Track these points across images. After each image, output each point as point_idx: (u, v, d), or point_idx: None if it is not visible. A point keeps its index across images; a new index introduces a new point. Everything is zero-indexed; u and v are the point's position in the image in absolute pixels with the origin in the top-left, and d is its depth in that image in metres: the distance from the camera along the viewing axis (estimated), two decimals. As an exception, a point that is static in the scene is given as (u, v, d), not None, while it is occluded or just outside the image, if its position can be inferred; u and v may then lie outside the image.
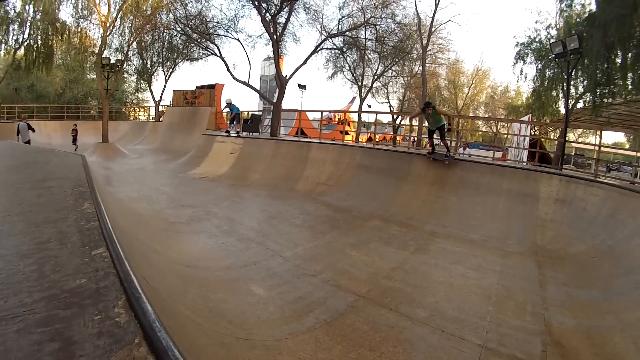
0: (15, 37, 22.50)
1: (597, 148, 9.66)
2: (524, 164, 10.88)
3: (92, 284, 1.57)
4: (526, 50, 18.83)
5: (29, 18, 22.34)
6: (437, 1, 20.99)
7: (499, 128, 28.32)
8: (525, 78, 19.36)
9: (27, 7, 22.04)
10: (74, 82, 31.61)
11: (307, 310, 3.76)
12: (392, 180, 9.18)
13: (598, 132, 11.65)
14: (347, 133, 20.75)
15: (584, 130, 24.47)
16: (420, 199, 8.34)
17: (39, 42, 22.86)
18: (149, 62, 26.17)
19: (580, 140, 30.34)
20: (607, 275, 5.01)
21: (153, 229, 5.98)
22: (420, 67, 22.27)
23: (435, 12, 21.34)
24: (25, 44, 22.79)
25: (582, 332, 3.69)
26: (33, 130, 15.48)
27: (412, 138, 18.76)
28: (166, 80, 26.26)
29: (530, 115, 17.86)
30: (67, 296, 1.47)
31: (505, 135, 20.15)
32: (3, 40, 22.35)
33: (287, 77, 16.74)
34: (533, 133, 15.75)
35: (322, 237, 6.30)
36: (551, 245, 6.42)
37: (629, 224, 6.01)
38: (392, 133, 25.15)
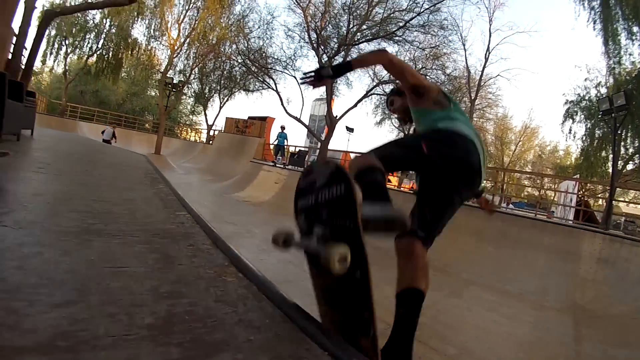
0: (90, 45, 25.70)
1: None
2: (570, 222, 10.64)
3: (180, 229, 2.00)
4: (575, 109, 18.68)
5: (105, 30, 25.43)
6: (487, 56, 21.31)
7: (545, 188, 27.62)
8: (574, 137, 19.07)
9: (104, 21, 25.07)
10: (135, 95, 34.65)
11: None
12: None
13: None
14: (389, 180, 20.90)
15: (636, 195, 23.55)
16: (458, 248, 8.18)
17: (110, 53, 25.91)
18: (207, 88, 27.83)
19: (631, 205, 29.10)
20: None
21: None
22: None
23: (484, 67, 21.62)
24: (98, 52, 25.79)
25: None
26: (115, 138, 17.91)
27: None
28: (221, 107, 27.79)
29: (578, 175, 17.49)
30: (160, 232, 1.88)
31: (552, 197, 19.61)
32: (79, 46, 25.53)
33: (337, 118, 17.30)
34: (581, 193, 15.42)
35: None
36: (591, 305, 6.22)
37: None
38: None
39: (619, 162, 16.28)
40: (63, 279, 1.12)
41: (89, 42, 25.75)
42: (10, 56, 11.47)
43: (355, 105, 17.75)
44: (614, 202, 10.30)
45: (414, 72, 1.99)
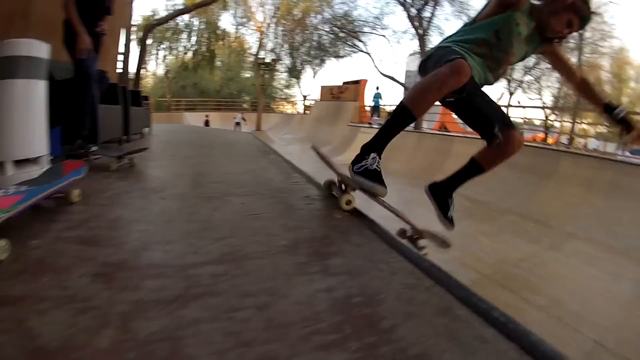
0: (184, 44, 28.23)
1: None
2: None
3: (296, 186, 2.57)
4: None
5: (195, 28, 27.79)
6: None
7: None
8: None
9: (193, 20, 27.36)
10: (231, 80, 36.67)
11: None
12: (536, 178, 8.85)
13: None
14: None
15: None
16: (563, 199, 7.95)
17: (203, 47, 28.18)
18: (298, 61, 28.61)
19: None
20: None
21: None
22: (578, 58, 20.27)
23: None
24: (192, 49, 28.14)
25: None
26: (244, 120, 21.08)
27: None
28: (314, 76, 28.70)
29: None
30: (281, 189, 2.50)
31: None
32: (174, 47, 28.37)
33: (428, 72, 16.83)
34: None
35: (457, 223, 6.52)
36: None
37: None
38: (543, 133, 23.05)
39: None
40: (219, 224, 1.68)
41: (182, 42, 28.42)
42: (120, 70, 13.61)
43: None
44: None
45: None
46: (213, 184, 2.57)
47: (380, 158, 2.00)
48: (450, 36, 2.09)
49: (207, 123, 21.95)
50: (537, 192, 8.46)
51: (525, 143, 9.64)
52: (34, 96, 2.28)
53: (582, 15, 1.88)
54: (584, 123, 23.07)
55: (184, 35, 28.11)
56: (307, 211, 1.99)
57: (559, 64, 2.22)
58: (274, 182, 2.80)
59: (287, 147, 16.83)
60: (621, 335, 3.64)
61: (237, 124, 22.61)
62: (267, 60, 24.66)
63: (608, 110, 2.06)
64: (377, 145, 2.01)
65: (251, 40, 28.55)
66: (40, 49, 2.34)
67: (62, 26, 3.18)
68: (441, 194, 2.34)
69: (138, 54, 16.22)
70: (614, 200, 7.33)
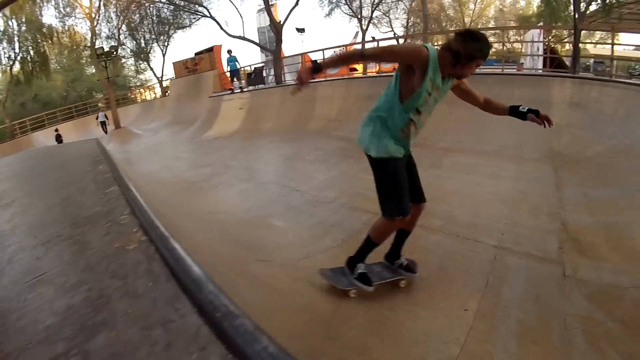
0: (7, 55, 22.89)
1: (612, 46, 9.26)
2: (540, 71, 10.45)
3: (104, 208, 2.07)
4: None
5: (15, 32, 22.56)
6: None
7: (511, 41, 27.19)
8: (534, -15, 18.54)
9: (10, 22, 22.17)
10: (75, 81, 32.09)
11: (325, 233, 3.95)
12: None
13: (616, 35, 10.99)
14: (355, 69, 20.35)
15: (603, 36, 23.14)
16: (431, 119, 8.03)
17: (31, 52, 23.14)
18: (142, 41, 25.97)
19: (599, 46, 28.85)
20: (625, 173, 4.92)
21: (174, 190, 6.26)
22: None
23: None
24: (19, 57, 23.09)
25: (599, 229, 3.69)
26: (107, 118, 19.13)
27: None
28: (164, 55, 26.25)
29: (541, 23, 17.08)
30: (85, 220, 1.95)
31: (519, 49, 19.22)
32: None
33: (281, 23, 16.37)
34: (547, 41, 15.05)
35: (336, 167, 6.47)
36: (567, 150, 6.30)
37: None
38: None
39: (582, 3, 15.83)
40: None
41: (4, 52, 22.98)
42: None
43: (297, 3, 16.61)
44: (580, 45, 10.03)
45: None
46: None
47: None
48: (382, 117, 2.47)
49: (59, 139, 18.74)
50: None
51: (387, 74, 9.82)
52: None
53: (484, 53, 2.15)
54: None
55: (4, 44, 22.69)
56: (98, 249, 1.54)
57: (466, 95, 2.68)
58: (82, 209, 2.26)
59: (154, 137, 15.60)
60: (517, 232, 3.68)
61: (103, 123, 20.31)
62: (106, 49, 21.72)
63: (513, 111, 2.59)
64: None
65: (84, 30, 24.86)
66: None
67: None
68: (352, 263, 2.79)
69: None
70: (476, 109, 7.66)
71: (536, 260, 3.21)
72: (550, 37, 19.17)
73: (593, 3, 15.82)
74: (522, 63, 15.09)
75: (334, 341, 2.26)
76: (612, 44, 9.13)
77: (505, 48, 26.16)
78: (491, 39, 27.04)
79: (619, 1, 14.29)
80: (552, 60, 10.78)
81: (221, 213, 4.80)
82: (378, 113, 2.47)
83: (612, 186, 4.68)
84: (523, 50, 16.10)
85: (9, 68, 23.41)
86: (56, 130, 19.70)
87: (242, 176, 6.73)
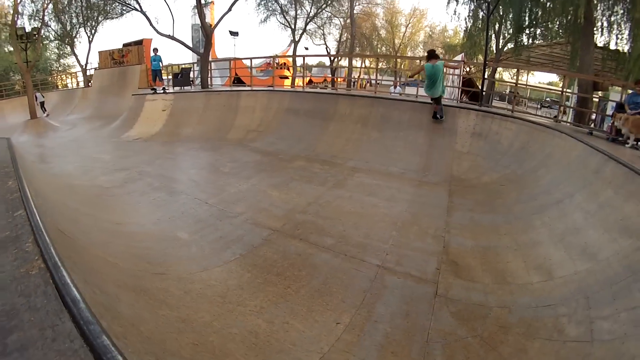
0: None
1: (516, 85, 10.58)
2: (455, 101, 11.30)
3: (12, 234, 2.28)
4: (459, -10, 19.00)
5: None
6: None
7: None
8: (459, 18, 20.01)
9: None
10: None
11: (225, 247, 4.10)
12: (319, 121, 9.48)
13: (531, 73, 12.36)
14: (286, 77, 20.53)
15: (520, 70, 25.48)
16: (344, 137, 8.69)
17: None
18: (68, 25, 24.38)
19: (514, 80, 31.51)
20: (511, 202, 5.49)
21: (86, 196, 6.01)
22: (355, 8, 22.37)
23: None
24: None
25: (478, 252, 4.12)
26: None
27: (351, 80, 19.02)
28: (90, 42, 24.69)
29: (463, 54, 18.33)
30: None
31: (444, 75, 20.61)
32: None
33: (211, 27, 16.10)
34: (468, 72, 16.22)
35: (247, 181, 6.58)
36: (465, 175, 6.94)
37: (537, 156, 6.58)
38: (331, 75, 25.28)
39: (500, 41, 17.37)
40: None
41: None
42: None
43: (230, 9, 16.35)
44: (496, 77, 11.03)
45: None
46: None
47: None
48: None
49: None
50: (321, 134, 9.03)
51: (309, 90, 10.22)
52: None
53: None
54: (365, 65, 25.79)
55: None
56: (7, 273, 1.84)
57: None
58: None
59: (71, 132, 14.61)
60: (401, 253, 4.03)
61: (42, 103, 19.20)
62: (28, 29, 19.98)
63: None
64: None
65: (6, 4, 22.81)
66: None
67: None
68: None
69: None
70: (388, 131, 8.30)
71: (413, 280, 3.56)
72: (470, 68, 20.64)
73: (510, 42, 17.36)
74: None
75: (196, 347, 2.39)
76: (517, 82, 10.27)
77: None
78: (419, 62, 28.83)
79: (528, 45, 15.84)
80: (466, 92, 11.75)
81: (130, 224, 4.75)
82: None
83: (498, 213, 5.20)
84: (445, 79, 17.32)
85: None
86: None
87: (156, 184, 6.61)
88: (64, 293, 1.62)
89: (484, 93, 10.38)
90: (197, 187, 6.34)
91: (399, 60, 26.14)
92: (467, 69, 17.59)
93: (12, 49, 25.68)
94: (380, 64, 23.45)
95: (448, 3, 19.83)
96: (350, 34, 26.84)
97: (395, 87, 16.21)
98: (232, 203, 5.42)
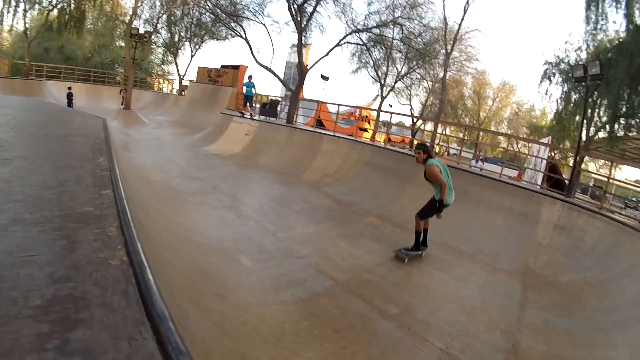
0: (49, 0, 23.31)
1: (608, 180, 9.62)
2: (537, 186, 10.70)
3: (97, 211, 2.09)
4: (554, 70, 18.48)
5: None
6: (465, 8, 20.87)
7: (519, 147, 27.88)
8: (550, 98, 19.13)
9: None
10: (103, 47, 32.68)
11: (286, 286, 3.98)
12: (397, 181, 9.19)
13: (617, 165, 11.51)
14: (365, 130, 20.71)
15: (606, 162, 23.91)
16: (420, 203, 8.06)
17: (72, 5, 23.52)
18: (176, 36, 26.86)
19: (601, 171, 29.66)
20: (591, 310, 4.95)
21: (160, 193, 6.24)
22: (444, 73, 22.29)
23: (462, 19, 21.30)
24: (59, 6, 23.47)
25: None
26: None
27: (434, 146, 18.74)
28: (192, 56, 26.94)
29: (550, 137, 17.60)
30: (78, 216, 1.96)
31: (525, 155, 19.79)
32: (37, 1, 23.11)
33: (308, 67, 16.74)
34: (552, 157, 15.49)
35: (317, 224, 6.49)
36: (542, 270, 6.37)
37: (624, 262, 5.91)
38: (410, 136, 25.00)
39: (592, 129, 16.46)
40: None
41: None
42: None
43: (328, 53, 17.05)
44: (582, 167, 10.38)
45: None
46: (10, 205, 1.93)
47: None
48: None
49: (70, 97, 18.67)
50: (397, 195, 8.71)
51: (391, 147, 10.02)
52: None
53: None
54: (446, 133, 25.59)
55: None
56: (86, 253, 1.55)
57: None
58: (75, 203, 2.20)
59: (156, 131, 15.60)
60: (466, 341, 3.69)
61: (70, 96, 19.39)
62: (141, 31, 22.32)
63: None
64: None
65: (127, 4, 25.66)
66: None
67: None
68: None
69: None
70: (465, 207, 7.87)
71: (476, 374, 3.19)
72: (555, 152, 19.78)
73: (602, 130, 16.42)
74: (525, 169, 15.47)
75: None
76: (609, 178, 9.43)
77: (511, 148, 26.85)
78: (501, 139, 28.00)
79: (623, 136, 14.88)
80: (550, 179, 11.11)
81: (196, 234, 4.81)
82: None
83: (575, 319, 4.69)
84: (527, 160, 16.63)
85: (47, 12, 23.68)
86: (69, 88, 19.61)
87: (227, 202, 6.74)
88: (148, 302, 1.34)
89: (569, 183, 9.73)
90: (266, 216, 6.36)
91: (481, 133, 25.61)
92: (553, 154, 16.83)
93: (122, 44, 29.18)
94: (462, 134, 23.16)
95: (540, 82, 19.03)
96: (438, 99, 26.76)
97: (476, 160, 15.71)
98: (299, 243, 5.34)
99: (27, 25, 24.47)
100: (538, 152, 14.18)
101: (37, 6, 23.51)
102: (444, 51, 21.74)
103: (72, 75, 24.66)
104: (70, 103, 18.28)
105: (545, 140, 16.69)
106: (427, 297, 4.49)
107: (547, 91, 19.37)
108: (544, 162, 13.01)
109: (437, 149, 22.24)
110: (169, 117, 20.04)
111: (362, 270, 4.82)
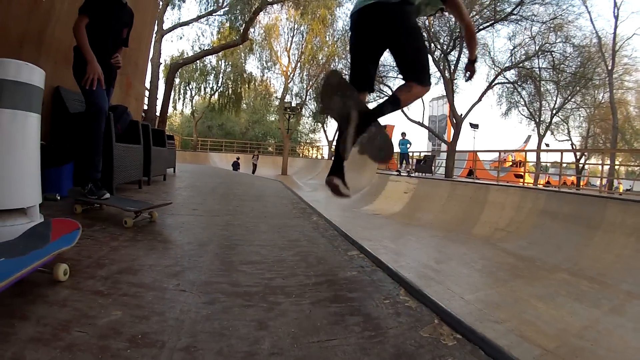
0: (211, 86, 30.22)
1: None
2: None
3: (364, 276, 1.88)
4: None
5: (222, 70, 29.81)
6: (616, 13, 18.70)
7: None
8: None
9: (220, 62, 29.48)
10: (256, 122, 38.89)
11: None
12: (582, 229, 8.08)
13: None
14: (521, 176, 19.34)
15: None
16: (614, 252, 7.18)
17: (230, 89, 29.84)
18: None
19: None
20: None
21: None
22: (604, 95, 20.01)
23: (616, 27, 19.04)
24: (219, 91, 30.02)
25: None
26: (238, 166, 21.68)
27: (603, 180, 16.74)
28: (340, 122, 29.22)
29: None
30: (346, 283, 1.76)
31: None
32: (201, 88, 30.32)
33: (462, 116, 16.60)
34: None
35: (505, 284, 6.24)
36: None
37: None
38: (574, 175, 22.30)
39: None
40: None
41: (209, 83, 30.44)
42: (145, 107, 14.07)
43: (480, 99, 16.79)
44: None
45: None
46: (248, 268, 1.89)
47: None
48: None
49: (236, 165, 22.67)
50: (585, 245, 7.71)
51: (566, 190, 9.06)
52: (22, 131, 1.86)
53: None
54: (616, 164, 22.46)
55: (211, 77, 29.93)
56: (400, 334, 1.29)
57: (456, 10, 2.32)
58: (329, 266, 2.10)
59: (313, 194, 16.79)
60: None
61: (254, 165, 23.92)
62: (293, 104, 25.43)
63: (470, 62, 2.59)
64: None
65: (276, 84, 29.84)
66: (33, 74, 1.90)
67: (72, 53, 2.91)
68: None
69: (164, 92, 16.79)
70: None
71: None
72: None
73: None
74: None
75: None
76: None
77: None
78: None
79: None
80: None
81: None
82: None
83: None
84: None
85: (209, 96, 30.45)
86: (237, 158, 24.18)
87: (402, 263, 6.85)
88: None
89: None
90: (448, 277, 6.36)
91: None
92: None
93: (273, 118, 35.94)
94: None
95: None
96: (599, 127, 23.99)
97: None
98: (492, 305, 5.23)
99: (194, 108, 31.97)
100: None
101: (201, 92, 30.48)
102: (599, 69, 19.63)
103: (231, 147, 30.62)
104: (236, 168, 21.99)
105: None
106: (652, 365, 4.02)
107: None
108: None
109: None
110: (320, 181, 21.30)
111: (569, 335, 4.55)
